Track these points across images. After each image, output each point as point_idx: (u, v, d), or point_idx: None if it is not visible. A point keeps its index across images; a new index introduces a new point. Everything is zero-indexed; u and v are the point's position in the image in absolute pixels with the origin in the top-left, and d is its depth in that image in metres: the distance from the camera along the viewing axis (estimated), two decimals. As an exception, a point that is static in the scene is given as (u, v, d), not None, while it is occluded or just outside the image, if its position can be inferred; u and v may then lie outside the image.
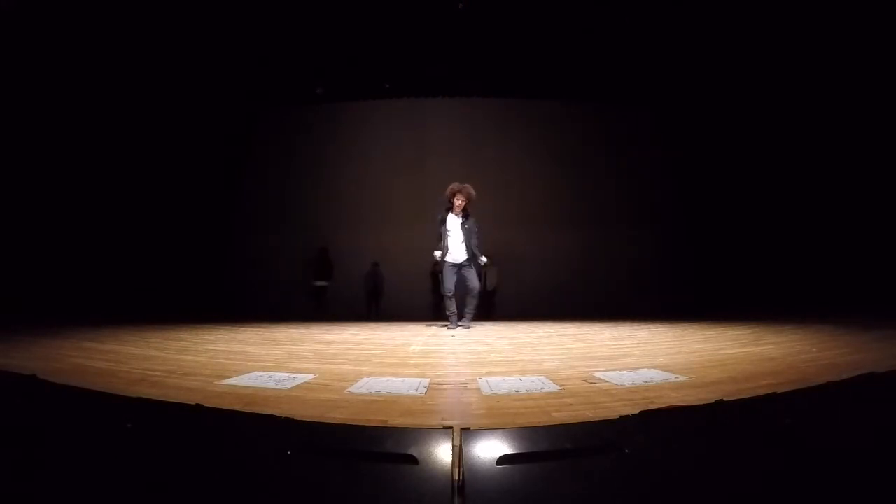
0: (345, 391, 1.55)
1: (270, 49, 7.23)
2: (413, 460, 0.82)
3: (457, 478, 0.79)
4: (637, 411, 1.10)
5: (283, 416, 1.03)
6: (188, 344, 2.87)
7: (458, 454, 0.84)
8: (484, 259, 4.52)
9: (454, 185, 4.55)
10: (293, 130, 9.42)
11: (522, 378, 1.73)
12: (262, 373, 1.84)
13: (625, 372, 1.81)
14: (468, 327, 4.43)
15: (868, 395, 1.23)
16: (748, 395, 1.30)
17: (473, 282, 4.46)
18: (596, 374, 1.77)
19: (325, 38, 7.02)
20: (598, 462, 0.86)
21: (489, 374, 1.86)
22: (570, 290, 8.50)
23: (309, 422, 1.10)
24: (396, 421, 1.22)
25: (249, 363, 2.11)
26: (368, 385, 1.62)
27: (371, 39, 7.11)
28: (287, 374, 1.80)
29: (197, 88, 7.78)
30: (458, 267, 4.47)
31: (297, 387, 1.61)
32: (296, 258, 8.76)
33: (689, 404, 1.23)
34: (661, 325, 4.43)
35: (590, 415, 1.25)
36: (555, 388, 1.56)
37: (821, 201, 6.69)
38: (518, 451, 0.85)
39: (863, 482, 0.76)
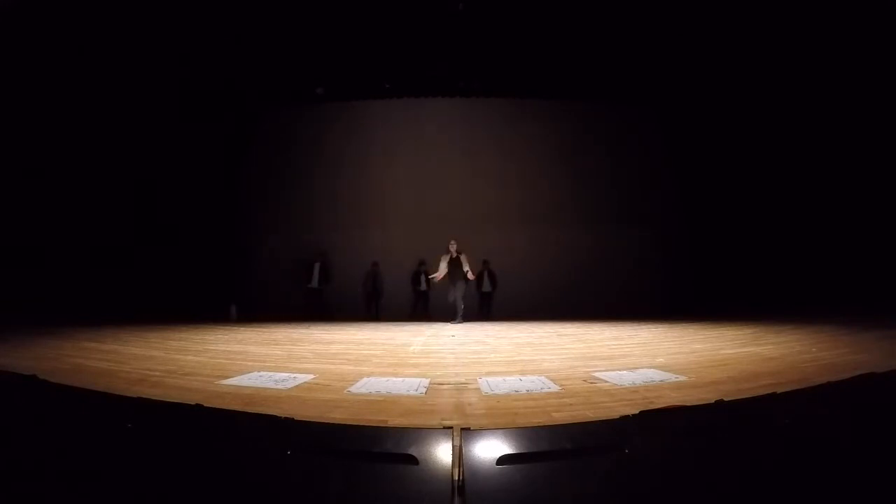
0: (345, 391, 1.54)
1: (271, 49, 7.23)
2: (413, 460, 0.82)
3: (457, 478, 0.79)
4: (637, 411, 1.10)
5: (283, 416, 1.03)
6: (188, 344, 2.87)
7: (459, 454, 0.84)
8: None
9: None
10: (293, 130, 9.41)
11: (522, 378, 1.73)
12: (262, 373, 1.83)
13: (625, 372, 1.81)
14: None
15: (868, 395, 1.23)
16: (748, 395, 1.30)
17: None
18: (596, 374, 1.77)
19: (325, 38, 7.01)
20: (598, 462, 0.86)
21: (489, 374, 1.86)
22: (570, 290, 8.48)
23: (309, 422, 1.10)
24: (396, 421, 1.22)
25: (249, 363, 2.11)
26: (368, 385, 1.62)
27: (371, 39, 7.10)
28: (287, 374, 1.80)
29: (197, 88, 7.78)
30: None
31: (297, 387, 1.61)
32: (295, 258, 8.76)
33: (689, 404, 1.23)
34: (661, 325, 4.42)
35: (590, 415, 1.25)
36: (555, 388, 1.56)
37: (821, 201, 6.69)
38: (518, 451, 0.85)
39: (862, 482, 0.76)
